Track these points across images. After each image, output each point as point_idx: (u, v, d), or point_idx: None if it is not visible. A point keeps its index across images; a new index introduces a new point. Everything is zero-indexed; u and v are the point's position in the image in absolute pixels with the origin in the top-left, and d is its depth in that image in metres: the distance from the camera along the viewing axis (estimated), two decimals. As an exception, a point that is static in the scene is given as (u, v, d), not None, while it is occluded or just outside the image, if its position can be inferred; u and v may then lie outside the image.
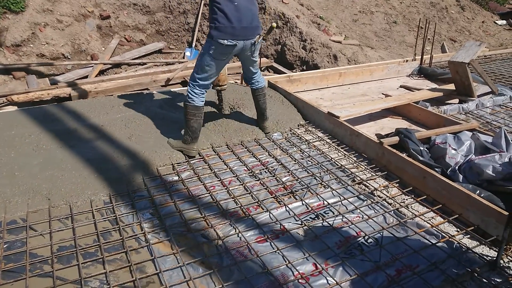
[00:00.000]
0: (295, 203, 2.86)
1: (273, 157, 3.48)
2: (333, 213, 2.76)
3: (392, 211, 2.80)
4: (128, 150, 3.33)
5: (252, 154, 3.52)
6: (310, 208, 2.80)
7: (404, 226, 2.65)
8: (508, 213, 2.39)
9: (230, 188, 3.01)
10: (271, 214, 2.72)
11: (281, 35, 8.63)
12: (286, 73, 7.37)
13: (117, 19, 8.43)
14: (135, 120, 3.84)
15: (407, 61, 6.40)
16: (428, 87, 5.32)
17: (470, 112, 4.70)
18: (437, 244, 2.46)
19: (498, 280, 2.23)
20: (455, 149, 3.35)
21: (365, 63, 7.34)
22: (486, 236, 2.55)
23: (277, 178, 3.16)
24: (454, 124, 3.89)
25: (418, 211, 2.82)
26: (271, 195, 2.95)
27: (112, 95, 5.08)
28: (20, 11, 7.30)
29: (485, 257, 2.39)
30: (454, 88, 5.04)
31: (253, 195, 2.94)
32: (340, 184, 3.13)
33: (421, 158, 3.28)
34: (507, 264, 2.36)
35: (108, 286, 2.10)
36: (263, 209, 2.78)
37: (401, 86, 5.57)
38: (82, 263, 2.23)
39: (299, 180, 3.15)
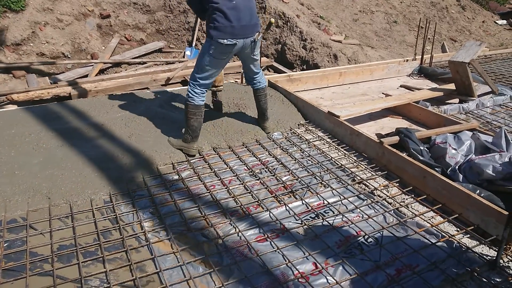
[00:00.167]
0: (295, 202, 2.86)
1: (273, 157, 3.49)
2: (333, 213, 2.76)
3: (392, 211, 2.80)
4: (128, 149, 3.33)
5: (252, 154, 3.53)
6: (310, 208, 2.81)
7: (404, 225, 2.65)
8: (508, 213, 2.39)
9: (230, 188, 3.01)
10: (271, 214, 2.72)
11: (281, 34, 8.63)
12: (286, 72, 7.36)
13: (117, 18, 8.43)
14: (135, 119, 3.84)
15: (407, 60, 6.40)
16: (428, 87, 5.32)
17: (470, 112, 4.70)
18: (437, 244, 2.47)
19: (497, 279, 2.23)
20: (455, 149, 3.35)
21: (365, 63, 7.34)
22: (486, 236, 2.55)
23: (277, 178, 3.16)
24: (454, 124, 3.89)
25: (418, 211, 2.82)
26: (271, 195, 2.95)
27: (112, 94, 5.08)
28: (20, 10, 7.30)
29: (485, 256, 2.39)
30: (455, 88, 5.04)
31: (253, 195, 2.94)
32: (340, 183, 3.13)
33: (421, 158, 3.28)
34: (506, 264, 2.36)
35: (108, 285, 2.10)
36: (263, 209, 2.78)
37: (401, 86, 5.57)
38: (82, 262, 2.23)
39: (299, 179, 3.15)
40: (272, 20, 3.37)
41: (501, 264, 2.33)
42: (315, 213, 2.75)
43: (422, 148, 3.38)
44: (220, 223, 2.62)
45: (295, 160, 3.44)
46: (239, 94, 4.56)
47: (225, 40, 3.11)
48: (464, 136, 3.49)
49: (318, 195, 2.94)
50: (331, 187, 3.04)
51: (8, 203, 2.67)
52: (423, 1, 11.95)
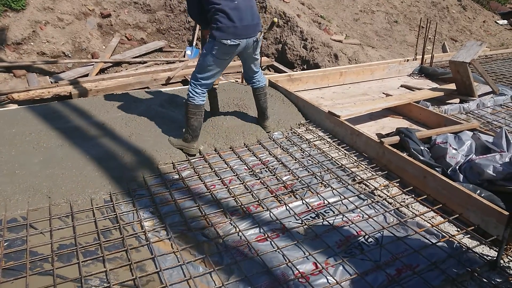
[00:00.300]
0: (295, 202, 2.86)
1: (273, 156, 3.48)
2: (334, 212, 2.76)
3: (393, 211, 2.80)
4: (129, 149, 3.33)
5: (252, 153, 3.52)
6: (310, 207, 2.80)
7: (404, 225, 2.65)
8: (508, 213, 2.39)
9: (231, 187, 3.01)
10: (271, 213, 2.72)
11: (281, 34, 8.62)
12: (286, 72, 7.36)
13: (118, 17, 8.43)
14: (135, 119, 3.84)
15: (408, 60, 6.40)
16: (429, 87, 5.32)
17: (471, 112, 4.69)
18: (437, 244, 2.46)
19: (498, 280, 2.23)
20: (455, 149, 3.35)
21: (366, 63, 7.34)
22: (486, 236, 2.55)
23: (278, 177, 3.16)
24: (454, 124, 3.88)
25: (418, 211, 2.82)
26: (272, 194, 2.95)
27: (112, 93, 5.08)
28: (21, 9, 7.30)
29: (485, 257, 2.39)
30: (455, 88, 5.03)
31: (254, 194, 2.94)
32: (341, 183, 3.13)
33: (421, 158, 3.27)
34: (507, 264, 2.35)
35: (108, 284, 2.10)
36: (264, 208, 2.78)
37: (401, 86, 5.57)
38: (82, 262, 2.23)
39: (299, 179, 3.15)
40: (275, 19, 3.37)
41: (501, 265, 2.33)
42: (316, 213, 2.75)
43: (422, 148, 3.38)
44: (220, 222, 2.62)
45: (295, 160, 3.44)
46: (239, 94, 4.56)
47: (228, 40, 3.11)
48: (465, 136, 3.49)
49: (318, 195, 2.94)
50: (331, 187, 3.04)
51: (8, 202, 2.68)
52: (424, 1, 11.95)
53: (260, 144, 3.70)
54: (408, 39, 10.48)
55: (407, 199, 2.96)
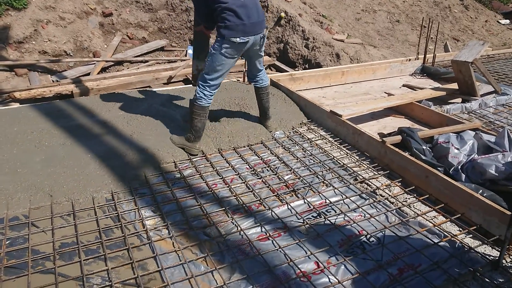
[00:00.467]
0: (297, 201, 2.86)
1: (275, 156, 3.48)
2: (335, 212, 2.76)
3: (394, 210, 2.80)
4: (130, 148, 3.33)
5: (254, 153, 3.52)
6: (312, 207, 2.80)
7: (406, 225, 2.64)
8: (510, 213, 2.39)
9: (232, 186, 3.01)
10: (273, 213, 2.72)
11: (283, 33, 8.62)
12: (288, 71, 7.36)
13: (120, 16, 8.43)
14: (137, 118, 3.84)
15: (410, 60, 6.38)
16: (431, 86, 5.31)
17: (473, 112, 4.68)
18: (439, 244, 2.46)
19: (500, 280, 2.22)
20: (458, 149, 3.34)
21: (368, 62, 7.33)
22: (488, 236, 2.54)
23: (279, 177, 3.16)
24: (457, 124, 3.88)
25: (420, 210, 2.81)
26: (273, 194, 2.95)
27: (114, 92, 5.08)
28: (23, 8, 7.31)
29: (487, 256, 2.38)
30: (457, 88, 5.02)
31: (255, 193, 2.93)
32: (342, 182, 3.12)
33: (423, 157, 3.27)
34: (509, 264, 2.35)
35: (110, 283, 2.10)
36: (265, 207, 2.78)
37: (403, 85, 5.56)
38: (84, 260, 2.24)
39: (301, 178, 3.14)
40: (283, 14, 3.38)
41: (503, 264, 2.32)
42: (317, 212, 2.75)
43: (424, 147, 3.38)
44: (222, 221, 2.62)
45: (297, 159, 3.43)
46: (241, 93, 4.55)
47: (238, 38, 3.11)
48: (467, 135, 3.48)
49: (320, 194, 2.94)
50: (333, 186, 3.04)
51: (10, 200, 2.68)
52: (426, 0, 11.93)
53: (261, 143, 3.70)
54: (410, 38, 10.46)
55: (409, 198, 2.95)
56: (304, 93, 4.76)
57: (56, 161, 3.09)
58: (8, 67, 6.69)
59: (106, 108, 4.06)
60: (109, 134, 3.55)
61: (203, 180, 3.08)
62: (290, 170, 3.26)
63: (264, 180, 3.10)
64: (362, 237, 2.51)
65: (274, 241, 2.44)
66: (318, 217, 2.70)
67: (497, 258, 2.32)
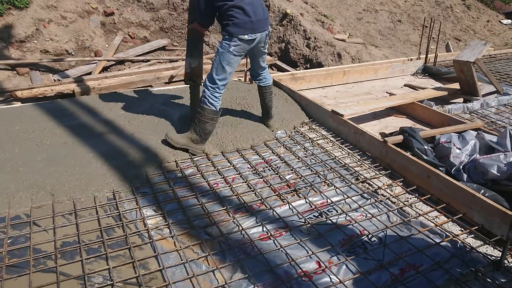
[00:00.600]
0: (298, 201, 2.85)
1: (276, 155, 3.48)
2: (337, 212, 2.76)
3: (396, 210, 2.79)
4: (132, 147, 3.33)
5: (255, 152, 3.52)
6: (313, 206, 2.80)
7: (408, 225, 2.64)
8: (513, 213, 2.39)
9: (234, 186, 3.01)
10: (274, 212, 2.71)
11: (285, 33, 8.61)
12: (290, 71, 7.36)
13: (121, 15, 8.44)
14: (138, 117, 3.84)
15: (411, 60, 6.38)
16: (432, 86, 5.30)
17: (474, 112, 4.67)
18: (441, 244, 2.46)
19: (502, 280, 2.22)
20: (459, 149, 3.34)
21: (369, 62, 7.32)
22: (490, 236, 2.54)
23: (281, 176, 3.16)
24: (458, 124, 3.87)
25: (422, 210, 2.81)
26: (275, 193, 2.95)
27: (115, 91, 5.08)
28: (25, 7, 7.31)
29: (489, 256, 2.38)
30: (459, 87, 5.01)
31: (257, 193, 2.93)
32: (344, 182, 3.12)
33: (425, 157, 3.26)
34: (511, 264, 2.34)
35: (111, 282, 2.10)
36: (267, 207, 2.78)
37: (405, 85, 5.56)
38: (85, 259, 2.24)
39: (302, 178, 3.14)
40: (288, 10, 3.36)
41: (505, 265, 2.32)
42: (319, 211, 2.74)
43: (426, 147, 3.37)
44: (223, 221, 2.62)
45: (298, 159, 3.43)
46: (242, 93, 4.55)
47: (246, 35, 3.11)
48: (469, 135, 3.48)
49: (321, 194, 2.94)
50: (334, 186, 3.04)
51: (12, 199, 2.68)
52: (428, 0, 11.91)
53: (263, 142, 3.69)
54: (411, 38, 10.45)
55: (410, 198, 2.95)
56: (306, 93, 4.75)
57: (58, 160, 3.10)
58: (10, 66, 6.70)
59: (108, 107, 4.06)
60: (111, 133, 3.55)
61: (205, 179, 3.08)
62: (292, 170, 3.25)
63: (265, 180, 3.10)
64: (363, 237, 2.51)
65: (275, 241, 2.44)
66: (319, 216, 2.70)
67: (499, 258, 2.31)
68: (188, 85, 3.75)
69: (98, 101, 4.23)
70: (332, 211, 2.76)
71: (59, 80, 6.51)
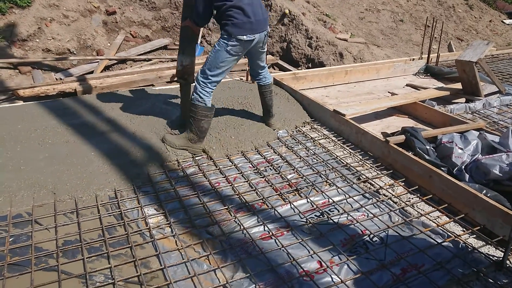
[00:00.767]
0: (300, 200, 2.85)
1: (278, 155, 3.48)
2: (338, 211, 2.75)
3: (398, 210, 2.79)
4: (134, 146, 3.33)
5: (257, 151, 3.52)
6: (315, 206, 2.80)
7: (409, 225, 2.64)
8: (515, 213, 2.38)
9: (235, 185, 3.01)
10: (276, 212, 2.71)
11: (287, 32, 8.60)
12: (291, 70, 7.35)
13: (123, 14, 8.44)
14: (140, 116, 3.84)
15: (413, 59, 6.37)
16: (434, 86, 5.29)
17: (477, 112, 4.66)
18: (442, 244, 2.45)
19: (504, 280, 2.21)
20: (461, 149, 3.33)
21: (371, 61, 7.31)
22: (492, 236, 2.53)
23: (282, 176, 3.15)
24: (460, 124, 3.86)
25: (423, 210, 2.80)
26: (276, 193, 2.95)
27: (117, 90, 5.08)
28: (27, 6, 7.32)
29: (491, 257, 2.37)
30: (461, 87, 5.01)
31: (258, 192, 2.93)
32: (345, 182, 3.11)
33: (427, 157, 3.26)
34: (513, 265, 2.34)
35: (113, 281, 2.10)
36: (268, 206, 2.78)
37: (407, 85, 5.55)
38: (87, 258, 2.24)
39: (304, 177, 3.14)
40: (287, 11, 3.35)
41: (507, 265, 2.31)
42: (320, 211, 2.74)
43: (428, 147, 3.36)
44: (224, 220, 2.62)
45: (300, 158, 3.43)
46: (244, 92, 4.55)
47: (245, 36, 3.10)
48: (471, 135, 3.47)
49: (323, 194, 2.93)
50: (336, 186, 3.03)
51: (13, 198, 2.68)
52: (430, -1, 11.89)
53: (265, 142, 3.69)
54: (413, 38, 10.43)
55: (412, 198, 2.94)
56: (307, 92, 4.75)
57: (60, 159, 3.10)
58: (12, 64, 6.71)
59: (109, 106, 4.07)
60: (112, 132, 3.56)
61: (206, 178, 3.08)
62: (293, 169, 3.25)
63: (267, 179, 3.10)
64: (365, 237, 2.51)
65: (277, 240, 2.44)
66: (321, 216, 2.69)
67: (501, 258, 2.31)
68: (179, 84, 3.69)
69: (100, 100, 4.24)
70: (333, 211, 2.76)
71: (61, 79, 6.51)
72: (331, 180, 3.11)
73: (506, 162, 2.97)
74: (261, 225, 2.58)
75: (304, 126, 4.09)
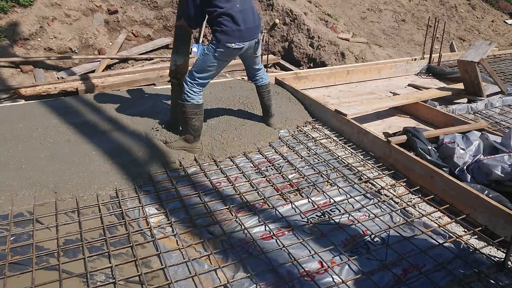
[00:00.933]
0: (301, 200, 2.85)
1: (279, 154, 3.47)
2: (339, 211, 2.75)
3: (399, 210, 2.78)
4: (135, 145, 3.33)
5: (258, 151, 3.51)
6: (316, 206, 2.79)
7: (411, 225, 2.63)
8: (517, 214, 2.37)
9: (236, 185, 3.00)
10: (277, 211, 2.71)
11: (288, 32, 8.60)
12: (293, 70, 7.34)
13: (125, 14, 8.44)
14: (141, 115, 3.84)
15: (415, 59, 6.36)
16: (436, 86, 5.28)
17: (478, 112, 4.65)
18: (444, 244, 2.44)
19: (506, 281, 2.21)
20: (463, 149, 3.32)
21: (373, 61, 7.30)
22: (494, 237, 2.52)
23: (283, 175, 3.15)
24: (462, 124, 3.85)
25: (425, 211, 2.80)
26: (277, 192, 2.94)
27: (119, 90, 5.08)
28: (29, 5, 7.33)
29: (492, 258, 2.37)
30: (463, 88, 4.99)
31: (259, 192, 2.93)
32: (347, 182, 3.11)
33: (429, 157, 3.25)
34: (515, 266, 2.33)
35: (114, 280, 2.10)
36: (269, 206, 2.77)
37: (409, 85, 5.54)
38: (88, 257, 2.24)
39: (305, 177, 3.13)
40: (277, 21, 3.35)
41: (509, 266, 2.30)
42: (321, 211, 2.74)
43: (430, 147, 3.36)
44: (225, 220, 2.61)
45: (301, 158, 3.42)
46: (245, 91, 4.54)
47: (233, 44, 3.08)
48: (473, 136, 3.46)
49: (324, 194, 2.93)
50: (337, 186, 3.03)
51: (15, 197, 2.69)
52: (432, -1, 11.87)
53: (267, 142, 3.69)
54: (415, 38, 10.42)
55: (414, 198, 2.94)
56: (309, 92, 4.74)
57: (61, 158, 3.10)
58: (14, 63, 6.72)
59: (111, 106, 4.07)
60: (114, 131, 3.56)
61: (207, 178, 3.08)
62: (295, 169, 3.25)
63: (268, 179, 3.09)
64: (366, 237, 2.50)
65: (278, 240, 2.44)
66: (322, 216, 2.69)
67: (502, 259, 2.30)
68: (171, 84, 3.65)
69: (102, 99, 4.24)
70: (335, 211, 2.76)
71: (62, 78, 6.52)
72: (333, 180, 3.11)
73: (508, 162, 2.96)
74: (262, 225, 2.58)
75: (306, 126, 4.09)
